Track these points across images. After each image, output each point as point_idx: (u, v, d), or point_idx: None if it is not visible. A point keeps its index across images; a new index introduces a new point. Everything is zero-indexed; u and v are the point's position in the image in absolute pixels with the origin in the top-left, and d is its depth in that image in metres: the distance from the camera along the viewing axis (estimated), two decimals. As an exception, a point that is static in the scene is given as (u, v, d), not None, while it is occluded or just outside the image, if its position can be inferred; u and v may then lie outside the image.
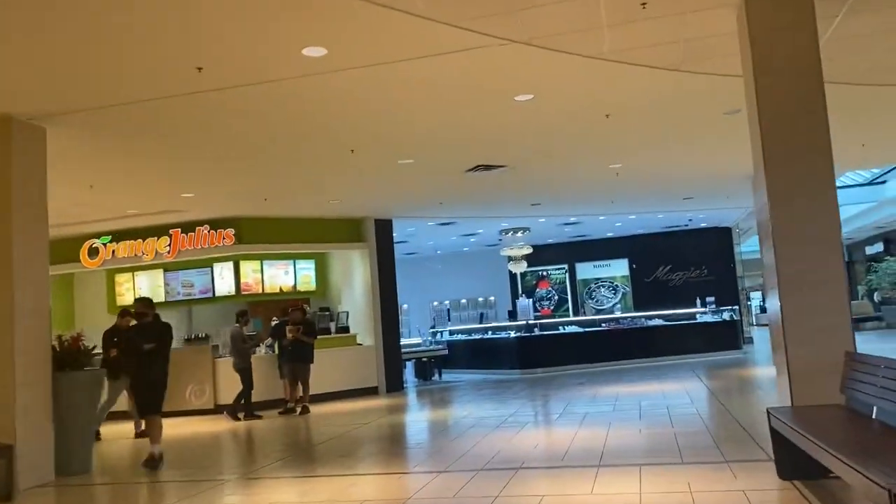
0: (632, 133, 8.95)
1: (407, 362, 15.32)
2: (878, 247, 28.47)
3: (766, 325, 27.93)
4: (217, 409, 11.66)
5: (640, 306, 19.69)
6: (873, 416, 4.04)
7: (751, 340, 19.08)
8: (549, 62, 6.22)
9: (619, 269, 20.95)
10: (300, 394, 11.27)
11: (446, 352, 15.05)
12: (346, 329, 13.37)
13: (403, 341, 15.62)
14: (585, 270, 21.27)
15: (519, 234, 17.35)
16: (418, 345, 15.32)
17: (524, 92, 6.99)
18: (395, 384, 13.47)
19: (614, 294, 21.03)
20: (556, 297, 21.53)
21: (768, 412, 4.75)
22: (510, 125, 8.15)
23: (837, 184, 5.57)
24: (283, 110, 7.04)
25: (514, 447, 6.89)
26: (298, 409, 11.12)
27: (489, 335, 16.44)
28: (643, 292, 20.42)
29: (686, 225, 19.04)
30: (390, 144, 8.66)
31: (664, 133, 9.13)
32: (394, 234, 15.41)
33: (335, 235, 13.66)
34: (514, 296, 21.01)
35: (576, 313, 20.88)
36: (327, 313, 13.96)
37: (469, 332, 17.20)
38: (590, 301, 21.08)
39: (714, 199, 14.88)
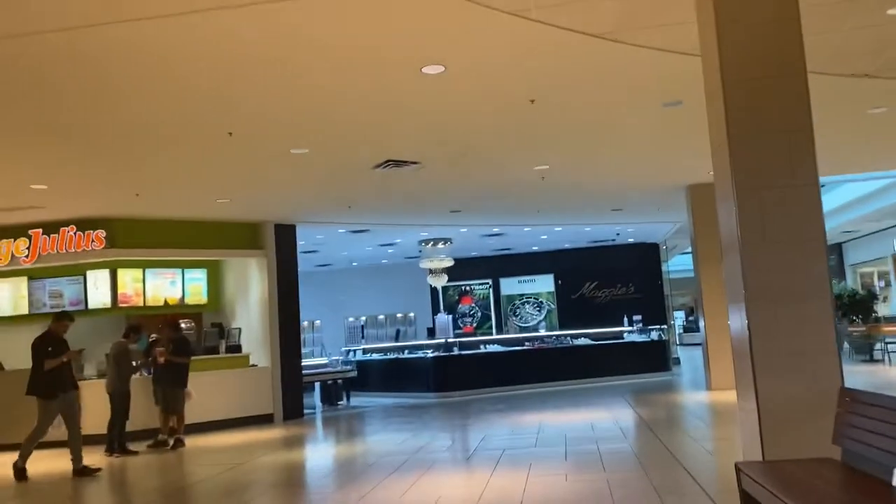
0: (559, 125, 7.81)
1: (314, 385, 13.81)
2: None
3: (695, 344, 27.52)
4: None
5: (565, 324, 18.71)
6: (893, 482, 2.89)
7: (678, 361, 18.34)
8: (461, 20, 4.99)
9: (544, 285, 19.95)
10: (173, 424, 9.60)
11: (355, 373, 13.57)
12: (237, 348, 11.74)
13: (308, 361, 14.10)
14: (510, 286, 20.18)
15: (440, 246, 16.10)
16: (324, 365, 13.78)
17: (433, 62, 5.72)
18: (293, 411, 11.89)
19: (539, 311, 20.00)
20: (480, 314, 20.34)
21: (738, 469, 3.57)
22: (420, 107, 6.86)
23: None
24: (123, 69, 5.50)
25: (417, 497, 5.55)
26: (171, 443, 9.46)
27: (404, 354, 15.06)
28: (569, 310, 19.47)
29: (613, 240, 18.22)
30: (276, 127, 7.23)
31: (594, 127, 8.03)
32: (300, 242, 13.91)
33: (229, 241, 12.04)
34: (435, 312, 19.71)
35: (499, 331, 19.76)
36: (219, 329, 12.31)
37: (383, 351, 15.78)
38: (514, 318, 19.98)
39: (644, 211, 14.01)
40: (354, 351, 16.25)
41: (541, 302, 20.00)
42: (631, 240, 18.60)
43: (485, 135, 7.95)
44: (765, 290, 3.86)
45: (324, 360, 14.02)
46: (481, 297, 20.30)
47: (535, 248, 18.99)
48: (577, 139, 8.44)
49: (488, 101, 6.83)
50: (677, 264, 22.91)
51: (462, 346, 14.71)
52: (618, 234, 17.28)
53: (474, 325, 20.09)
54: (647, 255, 19.38)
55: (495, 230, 15.31)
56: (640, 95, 6.97)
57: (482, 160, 9.11)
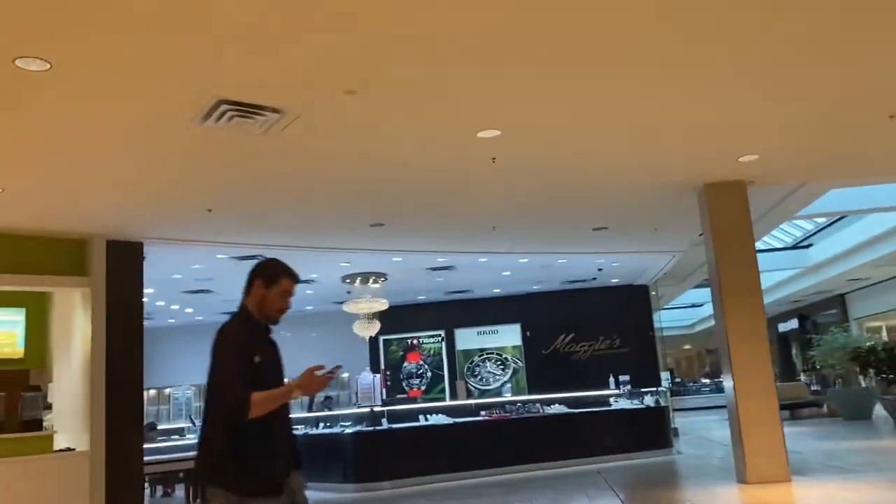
0: (494, 25, 4.25)
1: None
2: (793, 323, 25.48)
3: (683, 409, 23.71)
4: None
5: (535, 387, 14.96)
6: None
7: (676, 432, 14.57)
8: None
9: (509, 337, 16.22)
10: None
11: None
12: (36, 424, 7.78)
13: (178, 442, 10.19)
14: (467, 339, 16.39)
15: (371, 284, 12.39)
16: (190, 448, 9.79)
17: None
18: (125, 519, 7.91)
19: (503, 370, 16.19)
20: (430, 374, 16.46)
21: None
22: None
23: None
24: None
25: None
26: None
27: (318, 429, 11.14)
28: (540, 368, 15.73)
29: (594, 279, 14.65)
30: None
31: (560, 45, 4.49)
32: (175, 276, 10.27)
33: (41, 265, 8.22)
34: (376, 372, 15.82)
35: (454, 395, 15.88)
36: (38, 394, 8.36)
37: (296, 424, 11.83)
38: (472, 379, 16.14)
39: (636, 230, 10.49)
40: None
41: (505, 359, 16.20)
42: (615, 281, 15.06)
43: (371, 18, 4.36)
44: None
45: (192, 441, 10.04)
46: (432, 352, 16.45)
47: (497, 291, 15.34)
48: (534, 74, 4.88)
49: None
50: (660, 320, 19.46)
51: (395, 416, 10.85)
52: (600, 271, 13.73)
53: (423, 387, 16.19)
54: (634, 301, 15.81)
55: (441, 260, 11.65)
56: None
57: (386, 100, 5.50)
